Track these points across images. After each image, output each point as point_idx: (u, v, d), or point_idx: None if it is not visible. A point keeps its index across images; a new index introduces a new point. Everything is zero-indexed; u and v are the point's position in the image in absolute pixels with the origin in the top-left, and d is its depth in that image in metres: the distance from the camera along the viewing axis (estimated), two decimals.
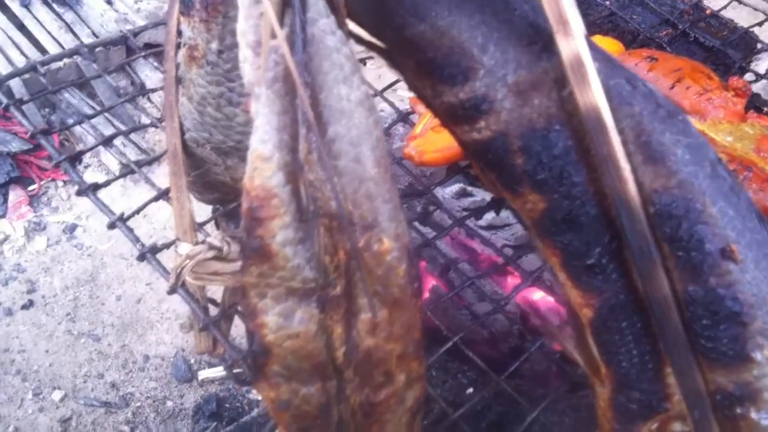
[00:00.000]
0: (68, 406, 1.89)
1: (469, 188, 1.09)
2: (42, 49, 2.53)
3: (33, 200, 2.34)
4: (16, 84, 2.39)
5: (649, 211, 0.42)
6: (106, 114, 2.29)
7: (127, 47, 2.51)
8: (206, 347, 0.67)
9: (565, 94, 0.42)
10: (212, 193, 0.68)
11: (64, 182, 2.39)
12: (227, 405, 1.90)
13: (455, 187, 1.08)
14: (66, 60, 2.40)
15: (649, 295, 0.43)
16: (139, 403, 1.91)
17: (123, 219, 0.69)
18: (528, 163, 0.43)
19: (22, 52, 2.48)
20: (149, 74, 2.46)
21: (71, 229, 2.27)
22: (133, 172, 0.74)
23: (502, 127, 0.43)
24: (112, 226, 0.69)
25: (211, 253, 0.63)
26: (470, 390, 0.72)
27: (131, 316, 2.08)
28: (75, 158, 0.74)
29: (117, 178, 0.76)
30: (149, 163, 0.76)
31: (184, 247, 0.64)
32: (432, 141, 0.77)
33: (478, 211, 0.79)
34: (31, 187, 2.35)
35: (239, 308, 0.69)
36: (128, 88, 2.51)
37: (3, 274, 2.14)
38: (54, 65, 2.40)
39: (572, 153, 0.42)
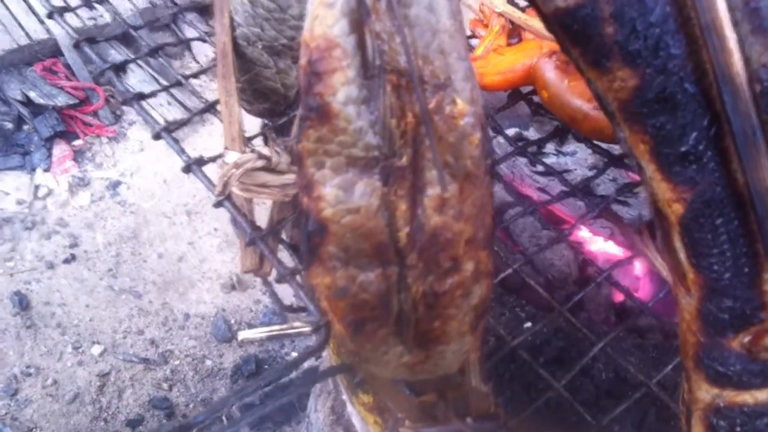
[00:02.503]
0: (107, 361, 1.89)
1: (525, 133, 1.04)
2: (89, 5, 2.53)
3: (77, 155, 2.34)
4: (63, 38, 2.40)
5: (756, 90, 0.37)
6: (150, 71, 2.28)
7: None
8: (252, 264, 0.63)
9: None
10: (262, 102, 0.64)
11: (109, 138, 2.39)
12: (266, 366, 1.88)
13: (510, 132, 1.03)
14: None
15: (750, 188, 0.38)
16: (178, 361, 1.90)
17: (168, 130, 0.66)
18: (620, 32, 0.38)
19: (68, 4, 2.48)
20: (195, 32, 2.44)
21: (115, 185, 2.27)
22: (180, 84, 0.70)
23: None
24: (157, 136, 0.65)
25: (260, 163, 0.60)
26: (528, 324, 0.68)
27: (173, 274, 2.07)
28: (119, 68, 0.70)
29: (163, 89, 0.73)
30: (196, 75, 0.72)
31: (232, 156, 0.60)
32: (494, 63, 0.73)
33: (541, 141, 0.75)
34: (75, 142, 2.35)
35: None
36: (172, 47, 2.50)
37: (46, 228, 2.14)
38: (101, 21, 2.41)
39: (671, 21, 0.38)
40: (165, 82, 2.33)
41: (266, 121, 0.69)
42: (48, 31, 2.55)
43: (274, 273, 0.63)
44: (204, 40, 0.76)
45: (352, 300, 0.39)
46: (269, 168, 0.60)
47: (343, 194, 0.37)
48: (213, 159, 0.66)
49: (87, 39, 0.74)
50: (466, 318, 0.41)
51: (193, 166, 0.64)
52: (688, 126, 0.39)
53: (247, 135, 0.65)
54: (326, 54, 0.35)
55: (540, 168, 0.98)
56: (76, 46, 0.72)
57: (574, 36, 0.40)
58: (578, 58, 0.41)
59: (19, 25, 2.59)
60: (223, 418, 1.72)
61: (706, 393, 0.43)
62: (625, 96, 0.40)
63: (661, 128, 0.40)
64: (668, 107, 0.39)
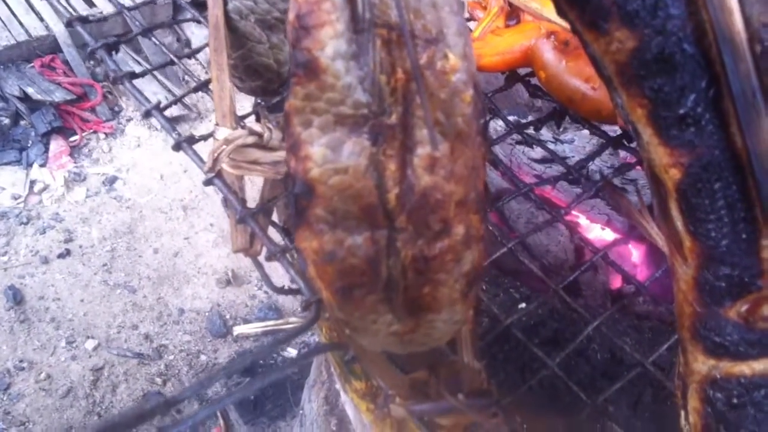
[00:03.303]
0: (101, 356, 1.88)
1: (523, 121, 1.03)
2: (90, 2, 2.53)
3: (74, 151, 2.34)
4: (62, 34, 2.39)
5: (756, 50, 0.36)
6: (147, 66, 2.26)
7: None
8: (242, 243, 0.62)
9: None
10: (255, 79, 0.63)
11: (106, 134, 2.38)
12: (261, 361, 1.87)
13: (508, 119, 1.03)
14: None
15: (750, 151, 0.37)
16: (172, 356, 1.89)
17: (159, 108, 0.65)
18: None
19: (69, 3, 2.48)
20: (195, 31, 2.43)
21: (111, 181, 2.26)
22: (173, 63, 0.69)
23: None
24: (147, 114, 0.64)
25: (251, 139, 0.59)
26: (522, 305, 0.67)
27: (168, 269, 2.06)
28: (112, 47, 0.69)
29: (155, 68, 0.72)
30: (189, 56, 0.71)
31: (223, 132, 0.59)
32: (492, 44, 0.72)
33: (539, 121, 0.74)
34: (72, 138, 2.35)
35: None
36: (173, 44, 2.49)
37: (41, 223, 2.13)
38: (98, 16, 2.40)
39: None
40: (162, 78, 2.32)
41: (259, 100, 0.68)
42: (47, 27, 2.55)
43: (264, 253, 0.62)
44: (198, 21, 0.74)
45: (339, 265, 0.38)
46: (260, 145, 0.59)
47: (330, 154, 0.36)
48: (204, 137, 0.65)
49: (79, 18, 0.73)
50: (456, 285, 0.40)
51: (184, 143, 0.63)
52: (687, 88, 0.38)
53: (239, 114, 0.64)
54: (315, 7, 0.34)
55: (537, 156, 0.97)
56: (69, 25, 0.72)
57: None
58: (575, 20, 0.40)
59: (18, 21, 2.59)
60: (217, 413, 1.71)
61: (702, 365, 0.42)
62: (622, 58, 0.39)
63: (659, 90, 0.39)
64: (667, 69, 0.38)
